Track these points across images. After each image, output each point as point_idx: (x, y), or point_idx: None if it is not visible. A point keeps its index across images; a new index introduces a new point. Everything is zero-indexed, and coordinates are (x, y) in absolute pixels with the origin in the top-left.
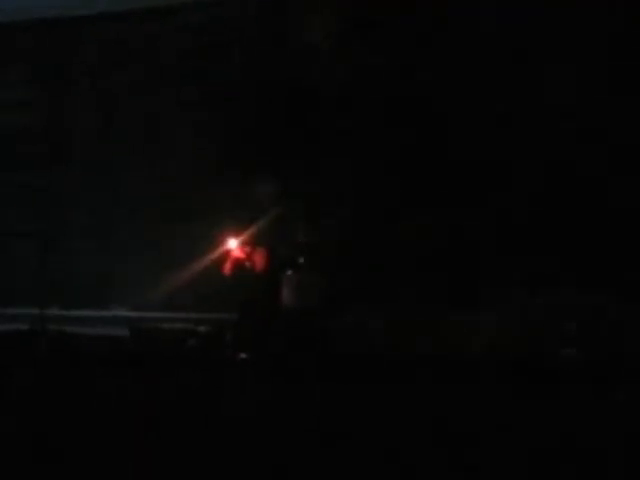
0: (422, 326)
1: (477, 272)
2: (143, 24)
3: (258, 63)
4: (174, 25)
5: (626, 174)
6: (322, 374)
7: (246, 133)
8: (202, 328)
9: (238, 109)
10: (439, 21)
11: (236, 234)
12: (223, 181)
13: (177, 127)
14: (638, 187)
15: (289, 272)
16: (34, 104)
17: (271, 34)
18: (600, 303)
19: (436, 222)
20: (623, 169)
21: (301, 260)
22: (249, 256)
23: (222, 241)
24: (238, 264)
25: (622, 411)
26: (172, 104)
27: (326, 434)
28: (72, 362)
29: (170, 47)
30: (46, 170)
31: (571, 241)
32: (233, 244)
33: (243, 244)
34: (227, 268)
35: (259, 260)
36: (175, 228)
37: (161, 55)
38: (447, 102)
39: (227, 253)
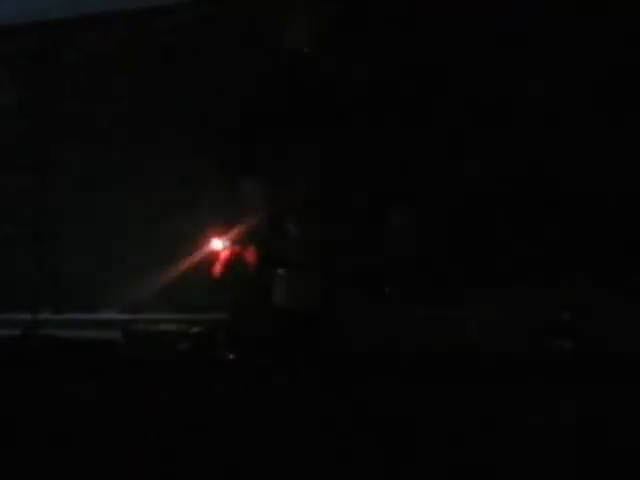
0: (413, 323)
1: (466, 267)
2: (132, 25)
3: (245, 62)
4: (163, 25)
5: (619, 171)
6: (316, 373)
7: (234, 131)
8: (195, 329)
9: (225, 107)
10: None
11: (225, 233)
12: (212, 180)
13: (165, 125)
14: (633, 182)
15: (280, 271)
16: (22, 107)
17: (256, 34)
18: (595, 294)
19: (427, 217)
20: (614, 167)
21: (294, 259)
22: (238, 256)
23: (211, 241)
24: (227, 264)
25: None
26: (161, 104)
27: (322, 434)
28: (63, 368)
29: (158, 47)
30: (33, 172)
31: (566, 232)
32: (221, 244)
33: (232, 244)
34: (216, 269)
35: (249, 259)
36: (165, 227)
37: (149, 55)
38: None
39: (215, 253)
